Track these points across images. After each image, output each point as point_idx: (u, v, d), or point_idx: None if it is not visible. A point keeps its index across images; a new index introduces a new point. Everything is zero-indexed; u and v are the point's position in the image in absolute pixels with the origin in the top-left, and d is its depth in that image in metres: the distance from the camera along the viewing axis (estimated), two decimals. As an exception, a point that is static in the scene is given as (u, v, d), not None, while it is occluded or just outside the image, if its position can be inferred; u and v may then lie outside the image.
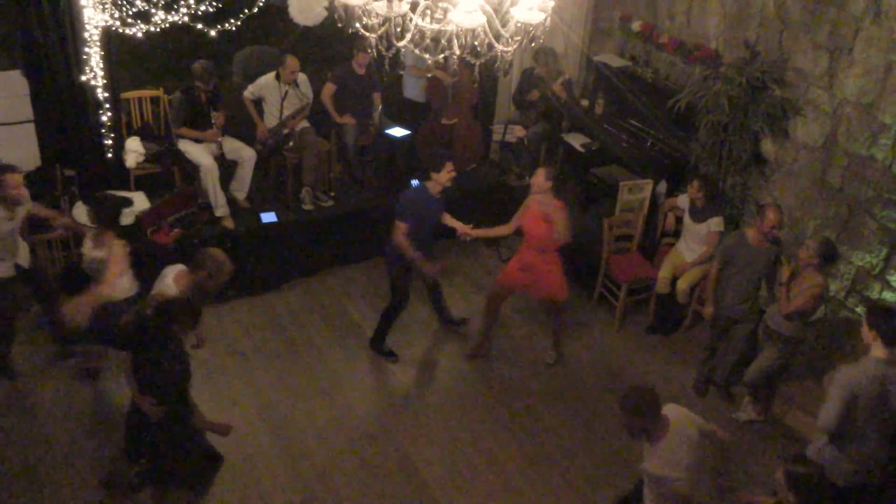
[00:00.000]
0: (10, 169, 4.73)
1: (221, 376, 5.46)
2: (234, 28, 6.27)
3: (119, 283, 4.59)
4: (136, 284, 4.79)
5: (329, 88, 6.75)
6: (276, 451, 4.89)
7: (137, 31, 5.85)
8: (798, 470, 3.29)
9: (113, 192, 5.92)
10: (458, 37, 3.04)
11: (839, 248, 5.52)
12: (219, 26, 6.18)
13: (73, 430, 4.89)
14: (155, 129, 6.64)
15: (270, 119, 6.55)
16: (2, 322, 5.04)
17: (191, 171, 6.21)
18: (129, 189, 6.22)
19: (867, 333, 3.94)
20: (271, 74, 6.48)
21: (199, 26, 6.10)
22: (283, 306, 6.26)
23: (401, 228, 5.21)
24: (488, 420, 5.32)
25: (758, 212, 5.34)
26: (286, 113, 6.46)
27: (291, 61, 6.32)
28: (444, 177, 5.22)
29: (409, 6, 3.11)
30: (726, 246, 5.32)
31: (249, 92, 6.55)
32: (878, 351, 3.89)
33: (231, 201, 6.32)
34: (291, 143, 6.53)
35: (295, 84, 6.44)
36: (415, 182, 7.15)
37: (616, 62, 7.40)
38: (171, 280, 4.08)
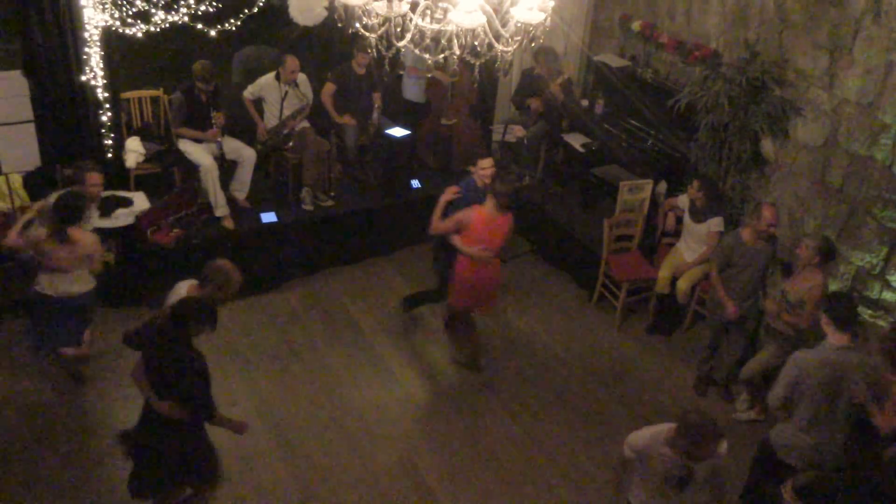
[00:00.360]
0: (90, 167, 5.00)
1: (221, 376, 5.44)
2: (234, 28, 6.27)
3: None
4: (90, 282, 4.84)
5: (329, 88, 6.76)
6: (276, 452, 4.89)
7: (137, 31, 5.85)
8: (804, 481, 3.30)
9: (113, 192, 5.93)
10: (458, 37, 3.04)
11: (839, 248, 5.53)
12: (219, 26, 6.19)
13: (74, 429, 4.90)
14: (155, 129, 6.65)
15: (270, 119, 6.55)
16: None
17: (191, 171, 6.21)
18: (129, 189, 6.22)
19: (824, 320, 4.03)
20: (271, 74, 6.47)
21: (199, 26, 6.10)
22: (283, 306, 6.26)
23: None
24: (488, 420, 5.32)
25: (753, 210, 5.35)
26: (286, 113, 6.46)
27: (291, 61, 6.32)
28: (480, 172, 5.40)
29: (409, 6, 3.11)
30: (723, 247, 5.33)
31: (249, 92, 6.55)
32: (832, 337, 3.98)
33: (231, 201, 6.32)
34: (291, 143, 6.53)
35: (295, 84, 6.44)
36: (414, 182, 7.16)
37: (616, 62, 7.40)
38: (185, 293, 4.03)
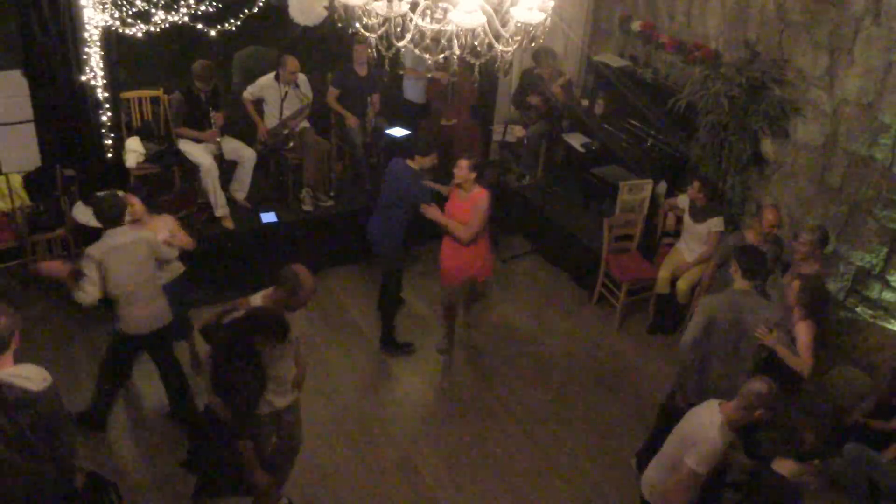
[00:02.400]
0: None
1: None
2: (234, 28, 6.28)
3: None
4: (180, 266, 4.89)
5: (332, 93, 6.74)
6: (276, 451, 4.89)
7: (137, 31, 5.85)
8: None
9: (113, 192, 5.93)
10: (458, 37, 3.04)
11: (839, 248, 5.54)
12: (219, 26, 6.19)
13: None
14: (155, 129, 6.65)
15: (270, 120, 6.55)
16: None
17: (191, 171, 6.21)
18: (128, 190, 6.21)
19: (733, 267, 4.34)
20: (271, 75, 6.47)
21: (199, 26, 6.10)
22: (283, 306, 6.25)
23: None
24: (488, 420, 5.32)
25: (755, 213, 5.36)
26: (286, 113, 6.46)
27: (291, 62, 6.31)
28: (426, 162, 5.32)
29: (409, 6, 3.10)
30: (727, 246, 5.33)
31: (249, 93, 6.55)
32: (737, 283, 4.31)
33: (231, 201, 6.32)
34: (291, 144, 6.53)
35: (295, 85, 6.43)
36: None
37: (616, 62, 7.40)
38: (260, 298, 3.94)
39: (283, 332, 3.64)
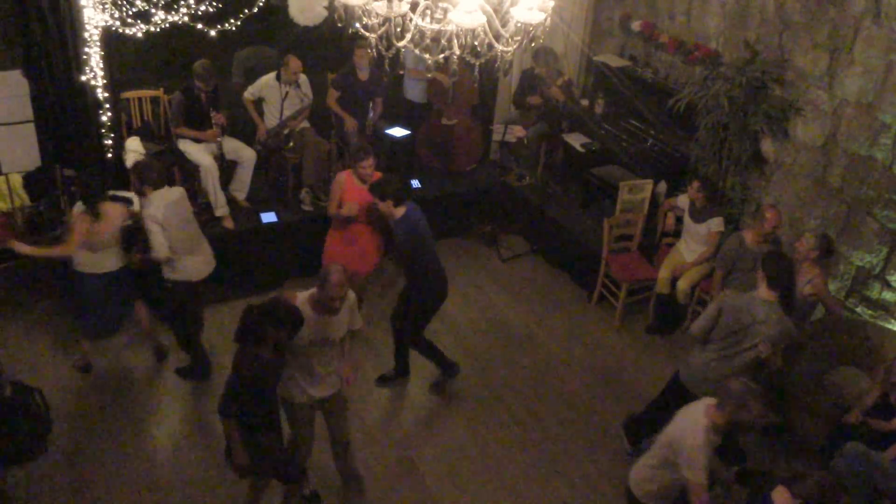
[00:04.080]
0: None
1: (221, 377, 5.44)
2: (234, 28, 6.27)
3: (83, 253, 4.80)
4: (118, 261, 4.98)
5: (332, 95, 6.74)
6: (276, 451, 4.89)
7: (137, 31, 5.85)
8: (803, 486, 3.35)
9: (113, 192, 5.93)
10: (458, 37, 3.04)
11: (839, 249, 5.54)
12: (219, 26, 6.18)
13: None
14: (155, 129, 6.64)
15: (271, 119, 6.55)
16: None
17: (191, 171, 6.21)
18: (129, 189, 6.21)
19: (760, 274, 4.35)
20: (272, 75, 6.47)
21: (199, 26, 6.10)
22: (283, 306, 6.25)
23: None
24: (488, 420, 5.32)
25: (756, 214, 5.36)
26: (286, 113, 6.46)
27: (294, 62, 6.31)
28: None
29: (409, 6, 3.10)
30: (727, 252, 5.32)
31: (250, 93, 6.55)
32: (762, 291, 4.30)
33: (231, 201, 6.32)
34: (292, 144, 6.53)
35: (296, 85, 6.44)
36: (415, 182, 7.16)
37: (616, 62, 7.40)
38: (306, 293, 4.02)
39: (293, 325, 3.73)
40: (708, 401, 3.68)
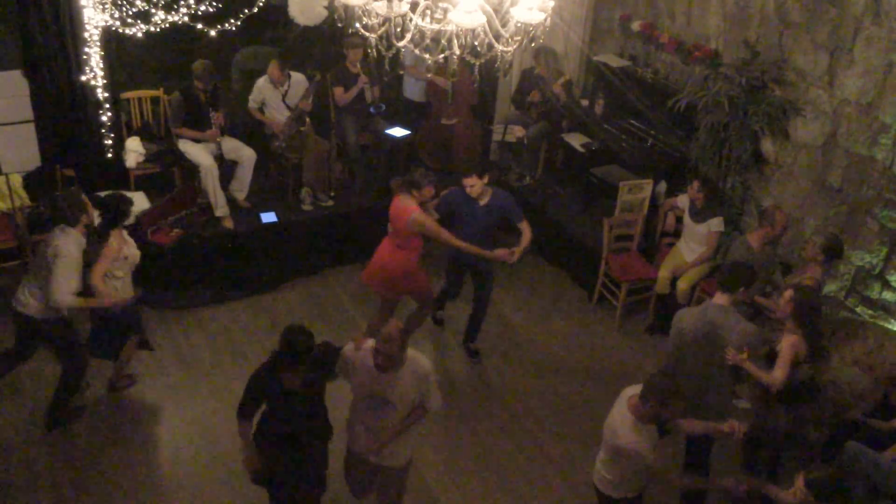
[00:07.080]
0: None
1: (221, 377, 5.45)
2: (234, 28, 6.28)
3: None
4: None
5: (338, 92, 6.69)
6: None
7: (137, 31, 5.85)
8: (818, 476, 3.44)
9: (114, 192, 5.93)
10: (458, 37, 3.04)
11: (839, 248, 5.53)
12: (219, 26, 6.19)
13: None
14: (155, 129, 6.64)
15: (281, 117, 6.55)
16: None
17: (191, 171, 6.21)
18: (129, 189, 6.22)
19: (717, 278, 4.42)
20: (264, 77, 6.50)
21: (199, 26, 6.10)
22: (283, 306, 6.26)
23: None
24: (488, 420, 5.32)
25: (761, 216, 5.33)
26: (293, 102, 6.47)
27: (271, 67, 6.42)
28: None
29: (409, 6, 3.11)
30: (735, 257, 5.28)
31: (252, 100, 6.57)
32: (716, 297, 4.28)
33: (231, 201, 6.32)
34: (303, 128, 6.48)
35: (288, 77, 6.47)
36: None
37: (616, 62, 7.40)
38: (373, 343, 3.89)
39: (312, 366, 3.79)
40: (630, 391, 3.73)
